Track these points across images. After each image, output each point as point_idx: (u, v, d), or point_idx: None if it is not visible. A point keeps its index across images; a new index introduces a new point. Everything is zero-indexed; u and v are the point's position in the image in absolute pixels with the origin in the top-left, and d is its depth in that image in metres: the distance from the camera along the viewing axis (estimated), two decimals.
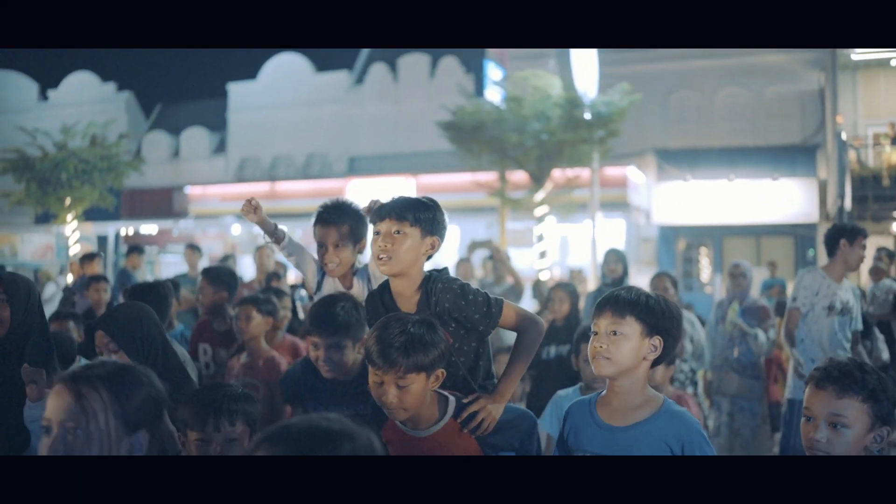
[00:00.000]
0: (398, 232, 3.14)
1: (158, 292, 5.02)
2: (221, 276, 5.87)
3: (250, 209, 3.94)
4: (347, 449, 1.56)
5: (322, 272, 4.14)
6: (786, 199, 22.10)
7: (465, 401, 2.98)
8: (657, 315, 2.70)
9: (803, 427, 2.51)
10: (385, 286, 3.29)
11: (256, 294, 5.85)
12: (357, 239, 3.97)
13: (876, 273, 9.86)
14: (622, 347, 2.67)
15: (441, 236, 3.27)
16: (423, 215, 3.19)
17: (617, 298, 2.74)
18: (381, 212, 3.20)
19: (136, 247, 12.38)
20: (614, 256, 7.79)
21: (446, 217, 3.33)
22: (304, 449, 1.53)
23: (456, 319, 3.13)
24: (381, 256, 3.14)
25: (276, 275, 8.33)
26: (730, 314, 7.49)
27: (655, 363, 2.77)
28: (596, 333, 2.74)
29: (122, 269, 11.42)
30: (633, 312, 2.69)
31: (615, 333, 2.69)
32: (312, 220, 4.02)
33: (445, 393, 3.01)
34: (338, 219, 3.94)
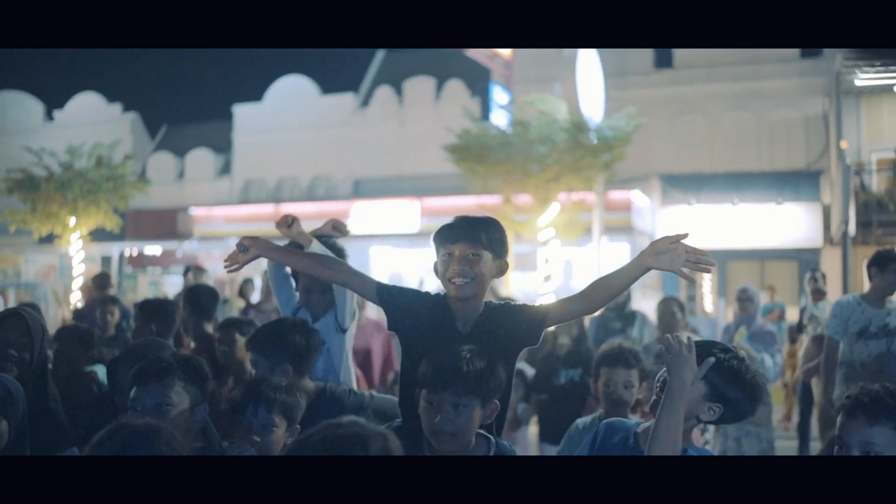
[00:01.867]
0: (474, 255, 3.05)
1: (167, 309, 5.03)
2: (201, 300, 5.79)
3: (284, 224, 3.87)
4: (375, 448, 1.67)
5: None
6: (790, 224, 22.12)
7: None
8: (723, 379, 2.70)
9: (836, 455, 2.49)
10: (444, 307, 3.16)
11: (237, 317, 5.79)
12: None
13: (816, 294, 10.12)
14: None
15: (505, 258, 3.19)
16: (494, 236, 3.11)
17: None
18: (451, 234, 3.09)
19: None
20: None
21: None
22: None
23: (506, 342, 3.07)
24: (456, 280, 3.04)
25: None
26: (736, 339, 7.46)
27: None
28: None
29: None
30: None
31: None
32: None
33: (486, 434, 2.91)
34: None
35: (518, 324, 3.12)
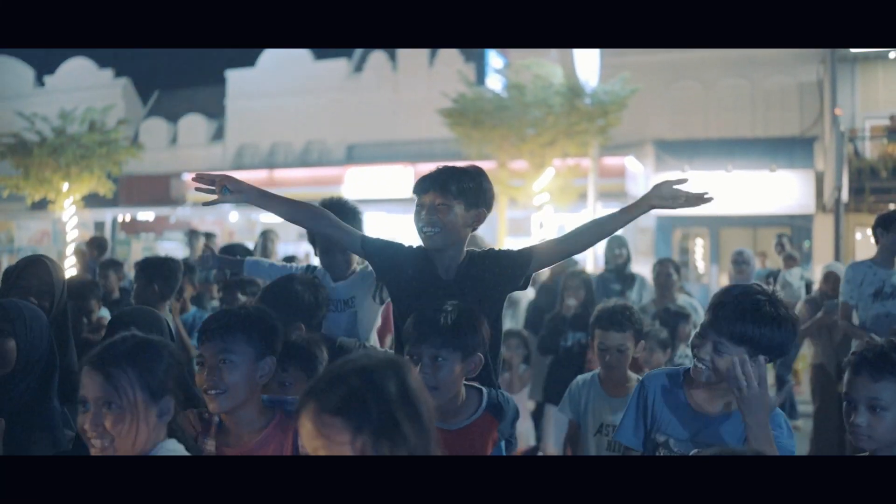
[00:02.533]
0: (443, 205, 3.08)
1: (169, 268, 4.91)
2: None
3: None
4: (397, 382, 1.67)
5: None
6: (783, 191, 22.16)
7: None
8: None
9: (845, 413, 2.52)
10: (425, 258, 3.21)
11: (240, 277, 5.48)
12: None
13: (788, 261, 10.20)
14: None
15: (488, 206, 3.21)
16: (466, 185, 3.12)
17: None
18: (423, 184, 3.13)
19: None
20: (618, 242, 7.79)
21: (492, 185, 3.26)
22: (356, 388, 1.64)
23: (492, 289, 3.10)
24: (425, 230, 3.09)
25: (292, 258, 8.22)
26: None
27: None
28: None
29: None
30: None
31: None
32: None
33: (478, 386, 2.93)
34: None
35: (503, 268, 3.16)
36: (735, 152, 22.39)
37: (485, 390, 2.92)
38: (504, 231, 17.13)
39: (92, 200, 21.82)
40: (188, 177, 25.84)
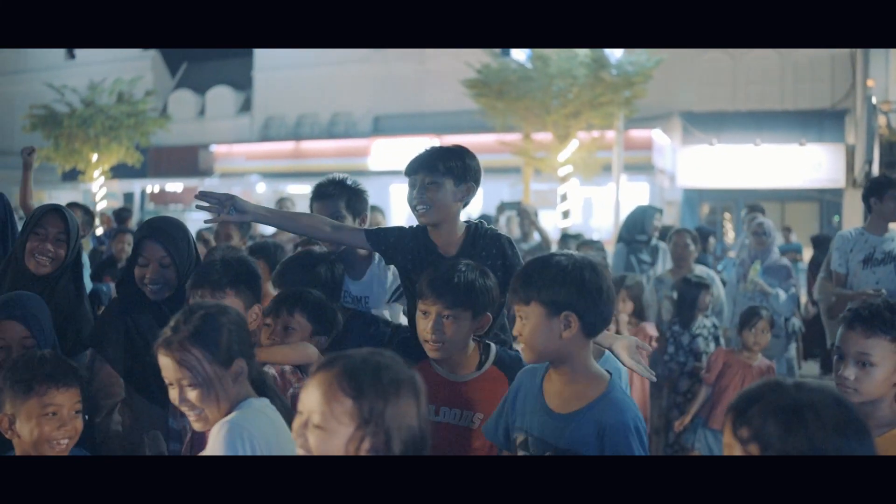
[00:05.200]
0: (432, 183, 3.25)
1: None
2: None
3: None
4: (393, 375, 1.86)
5: None
6: (813, 165, 21.91)
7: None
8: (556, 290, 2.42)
9: (834, 365, 2.59)
10: (425, 236, 3.38)
11: (262, 242, 5.38)
12: (357, 214, 3.92)
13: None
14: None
15: (476, 181, 3.36)
16: (453, 163, 3.29)
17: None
18: (413, 165, 3.32)
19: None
20: (658, 212, 7.78)
21: (477, 161, 3.40)
22: (361, 375, 1.83)
23: (495, 268, 3.18)
24: (418, 207, 3.25)
25: None
26: (751, 273, 7.48)
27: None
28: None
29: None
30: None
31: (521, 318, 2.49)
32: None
33: (488, 342, 3.06)
34: (337, 193, 3.89)
35: (505, 266, 3.25)
36: (764, 125, 22.15)
37: (494, 346, 3.05)
38: (529, 203, 17.09)
39: (121, 171, 22.05)
40: (216, 148, 26.01)
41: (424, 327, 2.90)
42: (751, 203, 12.20)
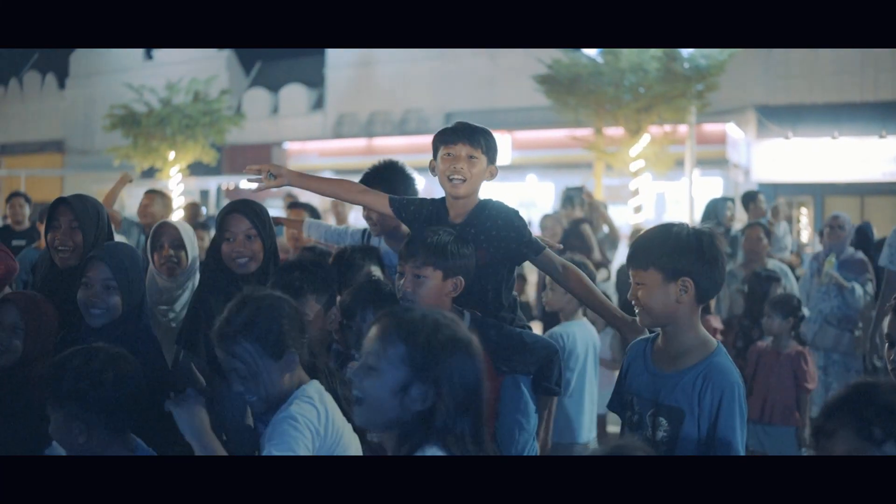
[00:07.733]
0: (472, 157, 3.32)
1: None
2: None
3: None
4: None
5: None
6: (893, 157, 21.35)
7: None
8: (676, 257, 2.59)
9: (886, 353, 2.57)
10: (441, 205, 3.46)
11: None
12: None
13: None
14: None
15: (496, 165, 3.46)
16: (491, 143, 3.39)
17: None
18: (453, 135, 3.36)
19: None
20: (730, 202, 7.73)
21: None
22: (419, 326, 1.95)
23: (497, 241, 3.27)
24: (454, 178, 3.31)
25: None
26: (826, 266, 7.36)
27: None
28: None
29: None
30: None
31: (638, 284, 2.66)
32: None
33: (462, 309, 3.17)
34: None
35: (511, 235, 3.33)
36: (842, 117, 21.63)
37: (467, 313, 3.16)
38: (601, 198, 16.98)
39: (197, 169, 22.52)
40: (289, 146, 26.37)
41: (398, 286, 3.06)
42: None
